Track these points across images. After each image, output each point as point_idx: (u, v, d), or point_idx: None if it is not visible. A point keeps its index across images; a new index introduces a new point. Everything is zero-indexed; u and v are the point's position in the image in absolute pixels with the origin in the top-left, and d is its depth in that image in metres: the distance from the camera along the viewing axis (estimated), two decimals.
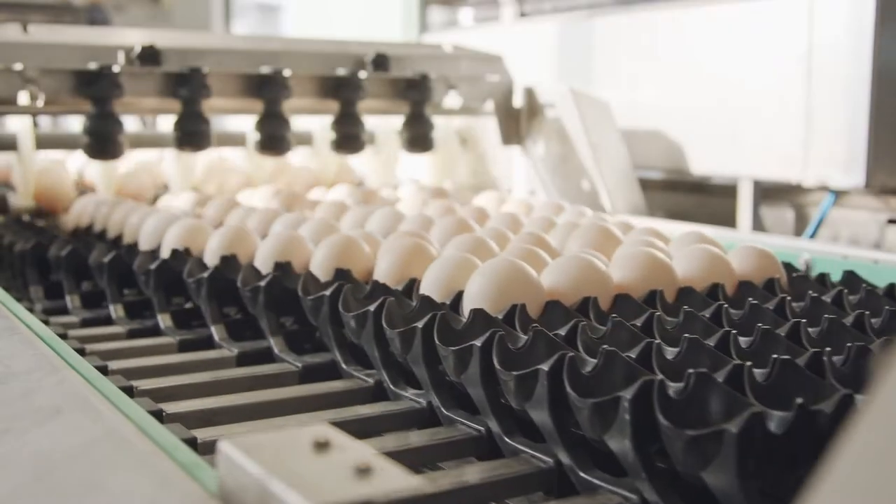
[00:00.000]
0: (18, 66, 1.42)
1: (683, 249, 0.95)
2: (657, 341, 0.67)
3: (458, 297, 0.82)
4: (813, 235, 1.73)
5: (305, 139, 1.76)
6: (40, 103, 1.42)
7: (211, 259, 1.00)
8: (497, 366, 0.64)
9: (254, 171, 1.70)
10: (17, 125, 1.55)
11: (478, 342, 0.66)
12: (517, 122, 1.84)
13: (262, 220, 1.14)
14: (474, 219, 1.16)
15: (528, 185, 1.87)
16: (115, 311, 1.03)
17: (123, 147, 1.49)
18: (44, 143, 1.58)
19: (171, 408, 0.73)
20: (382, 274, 0.91)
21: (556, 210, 1.31)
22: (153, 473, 0.49)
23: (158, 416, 0.70)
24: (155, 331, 0.98)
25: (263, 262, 0.97)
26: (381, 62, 1.72)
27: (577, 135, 1.76)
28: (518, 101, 1.84)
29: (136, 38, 1.58)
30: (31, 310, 1.03)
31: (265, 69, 1.57)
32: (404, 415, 0.74)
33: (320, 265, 0.94)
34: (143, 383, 0.79)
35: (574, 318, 0.76)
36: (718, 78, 1.84)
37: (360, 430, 0.70)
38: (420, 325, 0.71)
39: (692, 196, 2.07)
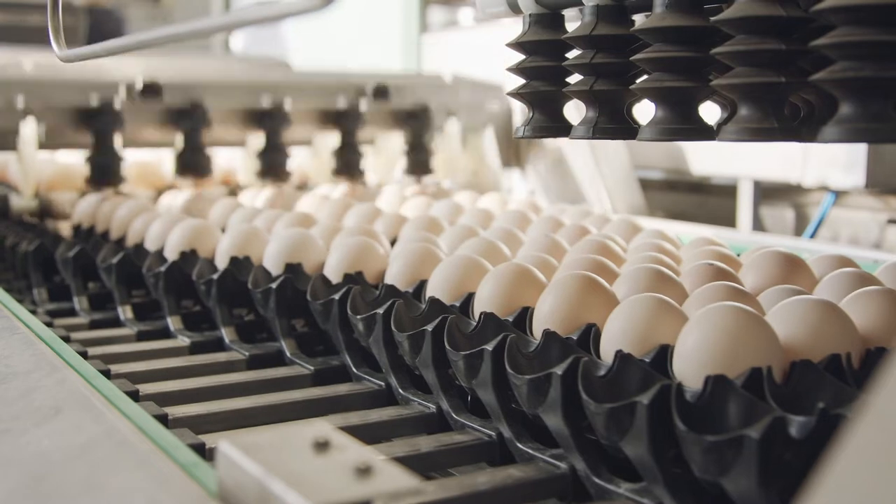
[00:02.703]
0: (20, 104, 1.44)
1: (692, 264, 0.82)
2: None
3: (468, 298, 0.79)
4: (813, 235, 1.73)
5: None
6: (42, 138, 1.45)
7: (221, 261, 1.00)
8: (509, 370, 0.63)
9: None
10: (21, 126, 1.55)
11: (489, 346, 0.65)
12: (517, 148, 1.87)
13: (268, 221, 1.13)
14: (479, 222, 1.15)
15: (528, 184, 1.87)
16: (124, 312, 1.02)
17: (123, 178, 1.51)
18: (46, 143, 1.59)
19: (177, 411, 0.72)
20: (393, 277, 0.89)
21: (582, 216, 1.24)
22: (153, 473, 0.49)
23: (163, 420, 0.69)
24: (165, 333, 0.97)
25: (272, 263, 0.96)
26: (381, 92, 1.73)
27: (577, 146, 1.77)
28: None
29: (137, 68, 1.60)
30: (34, 311, 1.02)
31: (266, 102, 1.61)
32: (415, 420, 0.73)
33: (333, 268, 0.93)
34: (150, 387, 0.78)
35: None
36: None
37: (371, 434, 0.70)
38: (430, 328, 0.70)
39: (692, 196, 2.07)
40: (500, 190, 1.85)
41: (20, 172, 1.53)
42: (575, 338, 0.67)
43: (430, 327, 0.70)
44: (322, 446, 0.44)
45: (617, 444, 0.55)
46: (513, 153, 1.87)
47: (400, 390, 0.77)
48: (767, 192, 1.88)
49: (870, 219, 1.74)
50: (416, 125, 1.74)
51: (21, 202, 1.52)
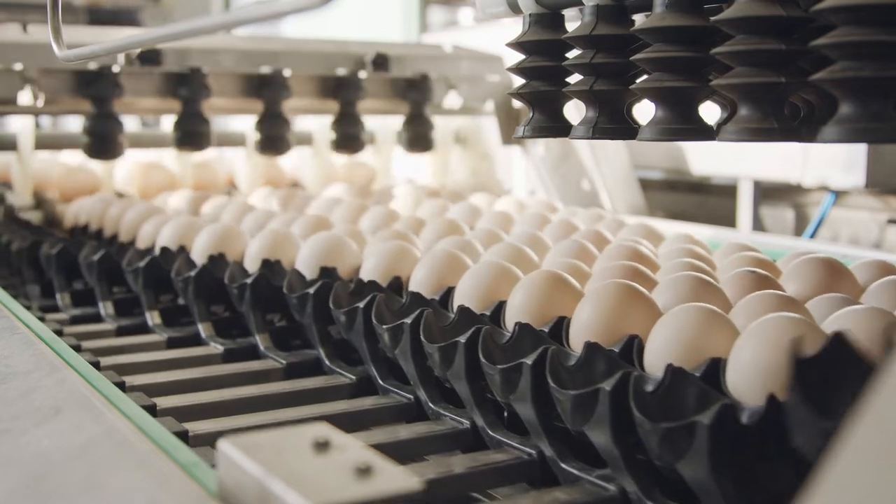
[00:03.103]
0: (18, 66, 1.42)
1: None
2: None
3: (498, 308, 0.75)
4: (813, 235, 1.73)
5: (305, 139, 1.75)
6: (40, 103, 1.42)
7: (199, 257, 1.00)
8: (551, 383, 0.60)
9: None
10: (18, 124, 1.55)
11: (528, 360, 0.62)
12: (517, 122, 1.84)
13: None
14: (499, 224, 1.13)
15: (528, 184, 1.87)
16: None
17: (123, 147, 1.49)
18: (43, 142, 1.58)
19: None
20: (418, 284, 0.86)
21: (595, 219, 1.24)
22: (153, 473, 0.49)
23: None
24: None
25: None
26: (381, 62, 1.72)
27: None
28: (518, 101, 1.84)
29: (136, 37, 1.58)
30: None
31: (265, 69, 1.57)
32: (447, 436, 0.70)
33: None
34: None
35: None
36: None
37: (401, 452, 0.67)
38: (463, 339, 0.67)
39: (692, 196, 2.07)
40: (500, 189, 1.85)
41: (18, 172, 1.53)
42: (617, 350, 0.64)
43: (462, 339, 0.67)
44: (322, 446, 0.44)
45: (673, 465, 0.52)
46: (513, 128, 1.84)
47: (430, 404, 0.73)
48: (767, 192, 1.88)
49: (870, 219, 1.74)
50: (416, 96, 1.70)
51: (18, 201, 1.52)
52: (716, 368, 0.58)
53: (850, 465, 0.30)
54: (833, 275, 0.78)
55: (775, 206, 1.91)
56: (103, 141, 1.46)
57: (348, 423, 0.69)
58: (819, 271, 0.79)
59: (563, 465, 0.61)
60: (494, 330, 0.69)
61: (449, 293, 0.81)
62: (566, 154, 1.79)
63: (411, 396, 0.75)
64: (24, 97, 1.42)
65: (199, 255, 1.00)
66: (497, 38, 2.14)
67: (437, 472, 0.60)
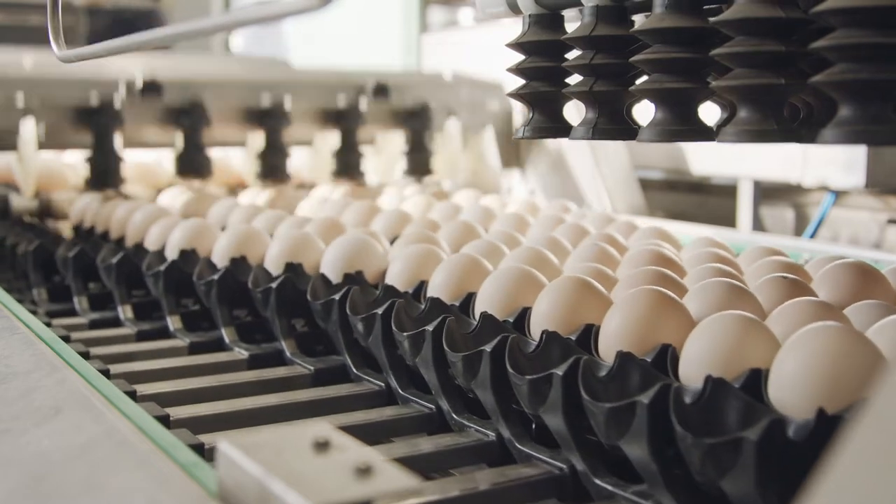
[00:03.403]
0: (20, 102, 1.44)
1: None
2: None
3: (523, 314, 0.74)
4: (813, 235, 1.73)
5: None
6: (42, 138, 1.45)
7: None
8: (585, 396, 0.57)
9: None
10: (21, 126, 1.55)
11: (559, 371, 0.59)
12: (517, 148, 1.86)
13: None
14: (515, 227, 1.12)
15: (528, 184, 1.87)
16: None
17: (122, 180, 1.51)
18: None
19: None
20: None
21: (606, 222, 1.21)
22: (153, 473, 0.49)
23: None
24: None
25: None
26: (381, 91, 1.73)
27: (577, 147, 1.77)
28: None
29: (137, 67, 1.60)
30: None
31: (266, 101, 1.61)
32: (474, 449, 0.67)
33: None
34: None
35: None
36: None
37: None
38: (488, 348, 0.65)
39: (692, 196, 2.07)
40: (499, 190, 1.85)
41: (20, 172, 1.53)
42: (650, 359, 0.62)
43: (488, 348, 0.65)
44: (322, 446, 0.44)
45: (717, 482, 0.50)
46: (513, 153, 1.86)
47: (454, 415, 0.71)
48: (767, 192, 1.88)
49: (870, 219, 1.74)
50: (417, 124, 1.73)
51: (21, 202, 1.52)
52: (756, 379, 0.55)
53: (850, 465, 0.30)
54: (866, 280, 0.76)
55: (775, 206, 1.91)
56: (104, 175, 1.49)
57: (366, 435, 0.67)
58: (852, 276, 0.76)
59: (597, 481, 0.58)
60: (521, 338, 0.67)
61: (469, 299, 0.79)
62: (566, 154, 1.80)
63: (433, 406, 0.73)
64: (27, 130, 1.44)
65: (220, 258, 0.99)
66: (497, 38, 2.14)
67: (463, 488, 0.58)
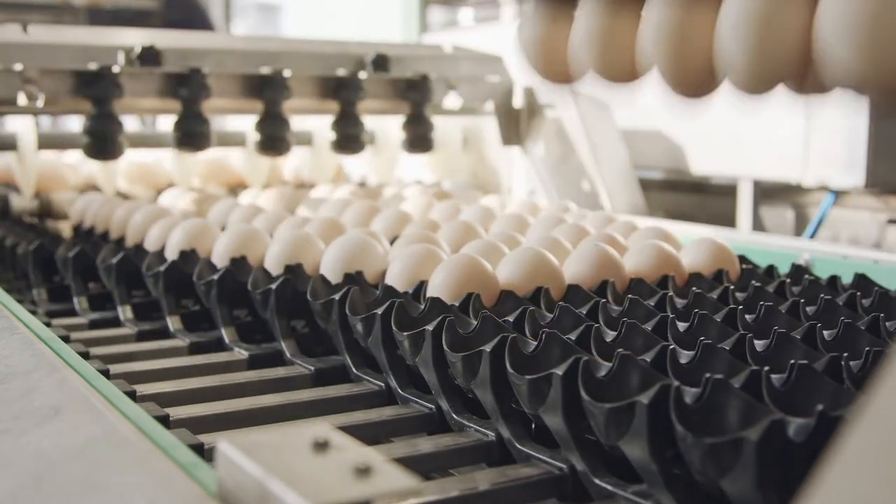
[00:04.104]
0: (18, 67, 1.42)
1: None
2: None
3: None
4: (813, 235, 1.73)
5: (305, 139, 1.76)
6: (40, 104, 1.42)
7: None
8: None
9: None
10: (19, 125, 1.55)
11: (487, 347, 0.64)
12: (517, 122, 1.84)
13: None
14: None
15: (528, 184, 1.87)
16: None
17: (123, 147, 1.49)
18: (44, 143, 1.58)
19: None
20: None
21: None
22: (153, 473, 0.49)
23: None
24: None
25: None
26: (381, 63, 1.72)
27: (577, 135, 1.76)
28: (518, 101, 1.84)
29: (136, 38, 1.58)
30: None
31: (265, 70, 1.57)
32: (473, 449, 0.68)
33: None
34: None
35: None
36: None
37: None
38: (488, 348, 0.65)
39: (692, 196, 2.07)
40: (500, 189, 1.85)
41: (20, 172, 1.53)
42: (649, 360, 0.64)
43: (487, 348, 0.65)
44: (322, 446, 0.44)
45: (717, 482, 0.51)
46: (513, 129, 1.84)
47: (453, 415, 0.71)
48: (767, 192, 1.88)
49: (870, 219, 1.75)
50: (416, 96, 1.70)
51: (21, 202, 1.52)
52: (757, 379, 0.58)
53: (850, 465, 0.30)
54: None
55: (775, 206, 1.91)
56: (103, 141, 1.46)
57: (365, 434, 0.68)
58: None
59: (596, 481, 0.58)
60: (520, 338, 0.67)
61: (469, 299, 0.80)
62: (566, 154, 1.80)
63: (432, 406, 0.73)
64: (24, 98, 1.42)
65: (220, 258, 0.99)
66: (497, 38, 2.14)
67: (462, 488, 0.58)
